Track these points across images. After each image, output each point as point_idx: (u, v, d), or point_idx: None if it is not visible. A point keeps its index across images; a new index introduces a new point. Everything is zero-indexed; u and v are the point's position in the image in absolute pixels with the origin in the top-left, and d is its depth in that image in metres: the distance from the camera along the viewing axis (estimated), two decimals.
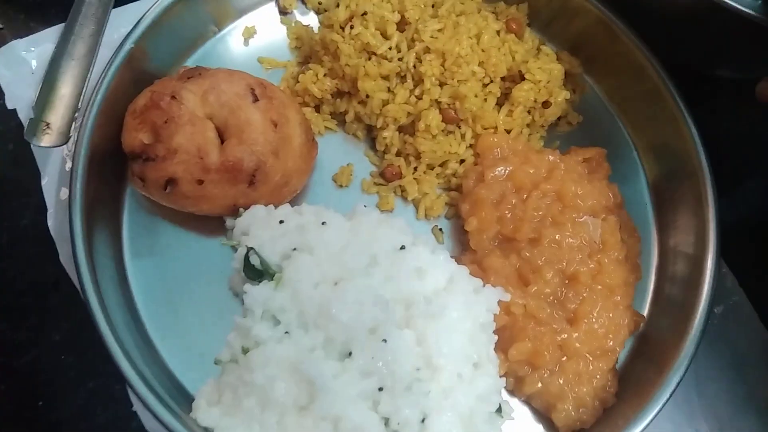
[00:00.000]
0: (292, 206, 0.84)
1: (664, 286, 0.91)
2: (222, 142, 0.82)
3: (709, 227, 0.86)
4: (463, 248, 0.89)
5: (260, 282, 0.76)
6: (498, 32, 0.93)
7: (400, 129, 0.90)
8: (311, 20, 0.98)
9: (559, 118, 0.96)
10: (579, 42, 0.99)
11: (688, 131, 0.90)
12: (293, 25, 0.97)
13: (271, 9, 0.99)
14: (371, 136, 0.93)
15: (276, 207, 0.83)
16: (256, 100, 0.82)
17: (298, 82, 0.92)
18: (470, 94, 0.86)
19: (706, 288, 0.84)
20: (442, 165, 0.91)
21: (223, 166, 0.80)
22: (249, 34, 0.96)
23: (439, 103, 0.87)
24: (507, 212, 0.85)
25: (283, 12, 0.98)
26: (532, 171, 0.86)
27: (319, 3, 0.97)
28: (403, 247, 0.79)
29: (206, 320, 0.83)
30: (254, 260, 0.76)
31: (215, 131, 0.82)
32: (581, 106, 0.98)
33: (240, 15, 0.97)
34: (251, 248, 0.77)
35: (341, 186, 0.91)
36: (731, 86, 1.02)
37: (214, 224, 0.86)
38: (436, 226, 0.91)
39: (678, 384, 0.80)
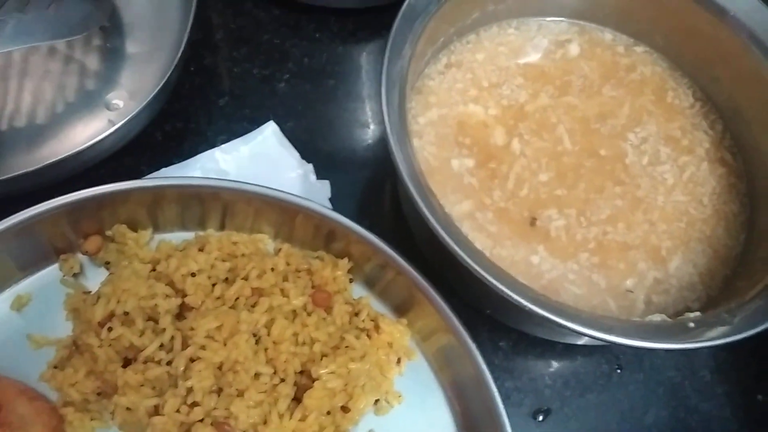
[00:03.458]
0: None
1: None
2: None
3: None
4: None
5: None
6: (304, 305, 0.82)
7: None
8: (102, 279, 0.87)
9: (377, 400, 0.84)
10: (405, 300, 0.88)
11: (496, 408, 0.78)
12: (71, 295, 0.84)
13: (54, 270, 0.86)
14: None
15: None
16: None
17: None
18: (245, 408, 0.74)
19: None
20: None
21: None
22: (21, 304, 0.84)
23: (213, 416, 0.75)
24: None
25: (68, 274, 0.87)
26: None
27: (107, 263, 0.86)
28: None
29: None
30: None
31: None
32: (407, 377, 0.86)
33: (14, 281, 0.85)
34: None
35: None
36: None
37: None
38: None
39: None
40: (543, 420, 0.88)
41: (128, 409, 0.76)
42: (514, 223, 0.88)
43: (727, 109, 0.98)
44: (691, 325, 0.71)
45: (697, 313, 0.75)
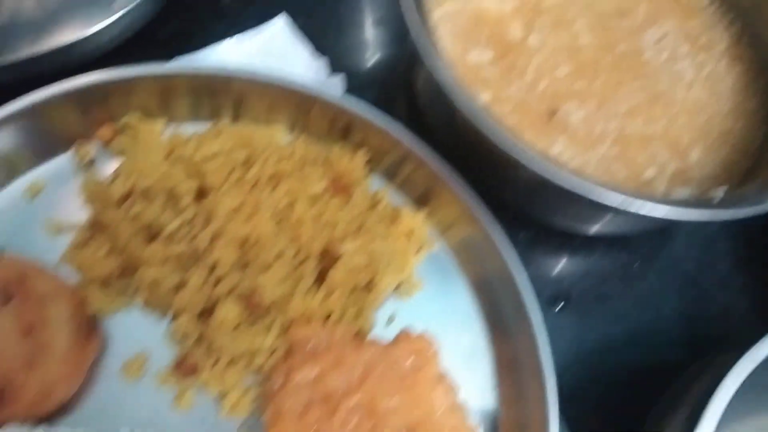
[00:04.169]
0: (62, 415, 0.72)
1: None
2: None
3: (548, 399, 0.74)
4: None
5: None
6: (325, 191, 0.81)
7: (201, 313, 0.77)
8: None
9: (399, 285, 0.84)
10: (426, 192, 0.87)
11: (522, 293, 0.78)
12: (87, 180, 0.83)
13: (68, 158, 0.85)
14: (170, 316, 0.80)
15: (37, 423, 0.70)
16: (8, 300, 0.69)
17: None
18: (272, 282, 0.74)
19: None
20: (250, 355, 0.78)
21: None
22: (35, 191, 0.83)
23: (239, 290, 0.75)
24: (312, 427, 0.72)
25: (81, 162, 0.85)
26: (344, 375, 0.73)
27: (121, 150, 0.84)
28: None
29: None
30: None
31: None
32: (427, 266, 0.86)
33: (28, 167, 0.84)
34: None
35: (132, 379, 0.78)
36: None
37: None
38: (244, 425, 0.78)
39: None
40: (561, 309, 0.88)
41: (152, 285, 0.75)
42: (533, 116, 0.87)
43: (747, 7, 0.97)
44: (716, 200, 0.72)
45: (724, 188, 0.75)
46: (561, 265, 0.91)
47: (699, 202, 0.72)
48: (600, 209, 0.75)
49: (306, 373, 0.74)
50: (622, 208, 0.67)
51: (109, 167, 0.85)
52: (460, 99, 0.71)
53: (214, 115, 0.89)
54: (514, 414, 0.80)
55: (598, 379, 0.86)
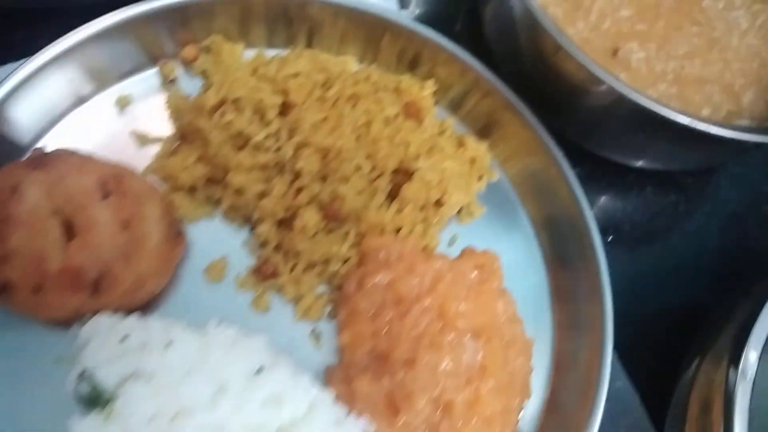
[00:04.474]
0: (150, 308, 0.77)
1: (558, 395, 0.84)
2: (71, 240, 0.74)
3: (605, 330, 0.80)
4: (341, 357, 0.82)
5: (91, 410, 0.69)
6: (397, 115, 0.86)
7: (281, 222, 0.82)
8: (197, 87, 0.90)
9: (461, 209, 0.88)
10: (489, 123, 0.91)
11: (585, 226, 0.83)
12: (173, 94, 0.88)
13: (153, 75, 0.90)
14: (251, 224, 0.85)
15: (128, 313, 0.76)
16: (106, 196, 0.74)
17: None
18: (352, 192, 0.79)
19: (598, 401, 0.78)
20: (324, 262, 0.83)
21: (63, 272, 0.72)
22: (124, 103, 0.87)
23: (319, 199, 0.80)
24: (384, 327, 0.78)
25: (166, 79, 0.90)
26: (415, 281, 0.79)
27: (204, 71, 0.89)
28: (260, 370, 0.72)
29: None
30: (83, 388, 0.69)
31: (61, 230, 0.74)
32: (488, 193, 0.91)
33: (117, 80, 0.88)
34: (83, 371, 0.69)
35: (213, 281, 0.83)
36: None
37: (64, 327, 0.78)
38: (315, 329, 0.84)
39: None
40: (611, 241, 0.93)
41: (238, 191, 0.80)
42: (596, 53, 0.90)
43: None
44: None
45: None
46: (613, 200, 0.95)
47: (760, 128, 0.76)
48: (665, 131, 0.79)
49: (379, 279, 0.79)
50: (691, 126, 0.71)
51: (192, 85, 0.89)
52: (545, 22, 0.75)
53: (288, 42, 0.93)
54: (567, 340, 0.85)
55: (644, 307, 0.91)
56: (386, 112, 0.84)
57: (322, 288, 0.84)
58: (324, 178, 0.79)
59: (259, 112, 0.80)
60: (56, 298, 0.72)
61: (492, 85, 0.87)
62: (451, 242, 0.88)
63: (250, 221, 0.84)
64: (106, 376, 0.69)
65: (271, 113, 0.80)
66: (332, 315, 0.84)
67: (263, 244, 0.83)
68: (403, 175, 0.83)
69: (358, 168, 0.80)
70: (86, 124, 0.87)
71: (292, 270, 0.82)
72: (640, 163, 0.92)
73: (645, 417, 0.86)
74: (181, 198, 0.83)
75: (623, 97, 0.73)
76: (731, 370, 0.75)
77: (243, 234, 0.85)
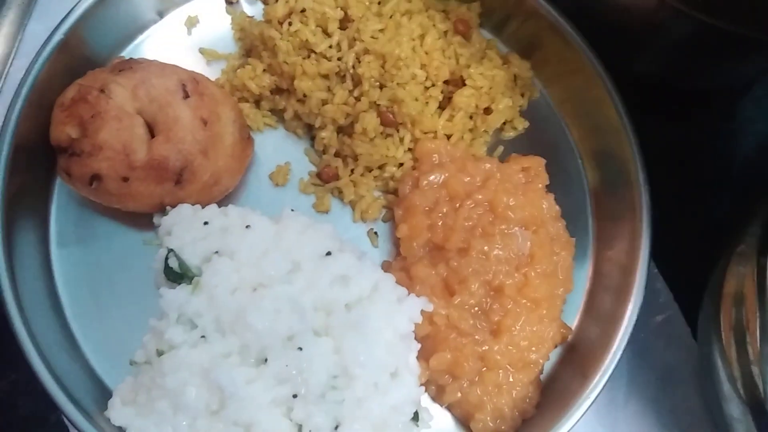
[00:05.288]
0: (222, 206, 0.83)
1: (596, 296, 0.91)
2: (153, 137, 0.81)
3: (642, 239, 0.86)
4: (397, 253, 0.88)
5: (179, 285, 0.76)
6: (446, 32, 0.91)
7: (340, 129, 0.89)
8: (258, 10, 0.95)
9: (504, 123, 0.94)
10: (531, 45, 0.97)
11: (628, 142, 0.88)
12: (238, 15, 0.94)
13: None
14: (311, 134, 0.92)
15: (204, 206, 0.82)
16: (186, 96, 0.81)
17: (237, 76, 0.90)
18: (409, 98, 0.85)
19: (633, 298, 0.84)
20: (380, 168, 0.89)
21: (148, 164, 0.79)
22: (192, 23, 0.94)
23: (378, 105, 0.86)
24: (439, 220, 0.84)
25: (229, 1, 0.96)
26: (467, 180, 0.85)
27: None
28: (329, 253, 0.78)
29: (130, 316, 0.83)
30: (173, 263, 0.76)
31: (145, 127, 0.80)
32: (529, 111, 0.96)
33: (183, 3, 0.95)
34: (171, 250, 0.76)
35: (277, 185, 0.90)
36: (689, 96, 1.02)
37: (145, 218, 0.85)
38: (372, 229, 0.90)
39: (598, 394, 0.81)
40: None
41: (301, 100, 0.87)
42: None
43: None
44: None
45: None
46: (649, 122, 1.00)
47: None
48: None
49: (433, 178, 0.86)
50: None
51: (253, 8, 0.96)
52: None
53: None
54: (605, 244, 0.92)
55: (678, 215, 0.96)
56: (439, 26, 0.90)
57: (377, 193, 0.91)
58: (382, 87, 0.86)
59: (322, 24, 0.87)
60: (142, 189, 0.79)
61: (534, 6, 0.92)
62: (496, 153, 0.94)
63: (311, 131, 0.91)
64: (192, 255, 0.77)
65: (333, 25, 0.86)
66: (387, 218, 0.91)
67: (325, 150, 0.89)
68: (453, 85, 0.89)
69: (414, 76, 0.86)
70: (157, 42, 0.94)
71: (351, 173, 0.89)
72: (680, 84, 0.96)
73: (678, 313, 0.92)
74: (248, 108, 0.90)
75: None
76: (762, 259, 0.80)
77: (304, 143, 0.92)
